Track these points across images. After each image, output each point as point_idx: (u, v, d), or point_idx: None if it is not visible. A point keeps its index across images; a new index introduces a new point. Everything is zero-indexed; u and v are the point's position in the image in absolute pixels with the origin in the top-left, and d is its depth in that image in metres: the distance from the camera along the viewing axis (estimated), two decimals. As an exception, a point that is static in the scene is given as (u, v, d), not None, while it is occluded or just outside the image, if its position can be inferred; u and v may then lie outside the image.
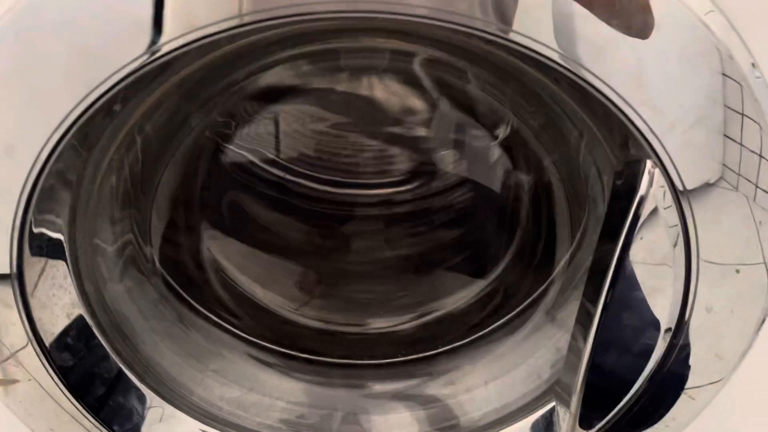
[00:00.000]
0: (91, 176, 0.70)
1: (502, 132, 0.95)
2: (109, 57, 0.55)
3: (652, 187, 0.60)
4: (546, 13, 0.54)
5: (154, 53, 0.55)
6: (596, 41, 0.54)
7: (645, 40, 0.54)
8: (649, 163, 0.59)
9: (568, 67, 0.54)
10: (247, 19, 0.54)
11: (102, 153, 0.70)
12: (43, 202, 0.62)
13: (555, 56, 0.54)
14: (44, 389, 0.68)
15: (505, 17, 0.54)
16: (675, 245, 0.63)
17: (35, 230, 0.63)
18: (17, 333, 0.66)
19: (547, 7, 0.54)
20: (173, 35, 0.54)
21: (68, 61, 0.55)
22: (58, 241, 0.67)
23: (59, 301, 0.68)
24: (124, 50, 0.55)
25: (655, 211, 0.62)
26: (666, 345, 0.67)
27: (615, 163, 0.67)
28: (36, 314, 0.66)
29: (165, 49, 0.55)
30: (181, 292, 0.87)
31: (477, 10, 0.54)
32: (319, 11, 0.55)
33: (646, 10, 0.54)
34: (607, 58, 0.54)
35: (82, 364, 0.71)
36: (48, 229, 0.65)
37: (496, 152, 0.97)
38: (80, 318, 0.70)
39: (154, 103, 0.72)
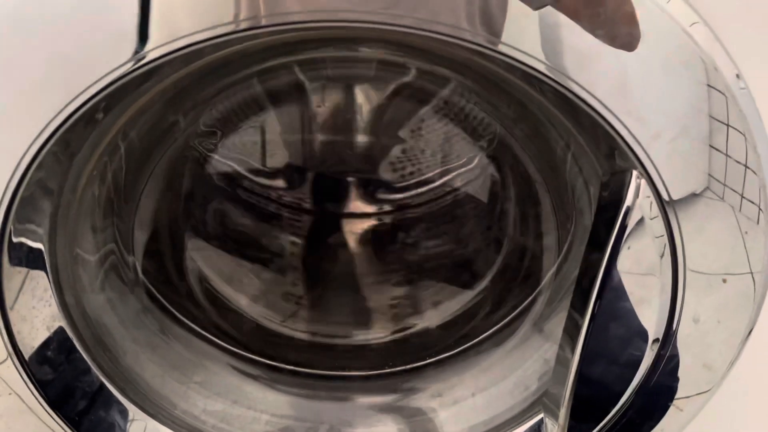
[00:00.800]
0: (72, 185, 0.69)
1: (488, 143, 0.95)
2: (92, 65, 0.54)
3: (638, 198, 0.60)
4: (533, 24, 0.54)
5: (139, 61, 0.54)
6: (582, 51, 0.54)
7: (631, 53, 0.54)
8: (635, 174, 0.59)
9: (554, 77, 0.55)
10: (241, 26, 0.54)
11: (84, 161, 0.69)
12: (24, 211, 0.61)
13: (541, 67, 0.54)
14: (25, 403, 0.67)
15: (492, 28, 0.55)
16: (662, 255, 0.63)
17: (15, 239, 0.62)
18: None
19: (533, 18, 0.54)
20: (159, 43, 0.54)
21: (49, 68, 0.54)
22: (39, 250, 0.66)
23: (39, 314, 0.67)
24: (108, 58, 0.54)
25: (641, 221, 0.62)
26: (654, 356, 0.67)
27: (601, 174, 0.67)
28: (15, 327, 0.65)
29: (150, 56, 0.54)
30: (164, 302, 0.86)
31: (464, 22, 0.54)
32: (306, 20, 0.55)
33: (632, 22, 0.54)
34: (592, 68, 0.55)
35: (63, 378, 0.70)
36: (28, 238, 0.64)
37: (482, 163, 0.97)
38: (61, 330, 0.69)
39: (137, 111, 0.72)
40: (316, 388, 0.89)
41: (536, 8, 0.54)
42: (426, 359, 0.91)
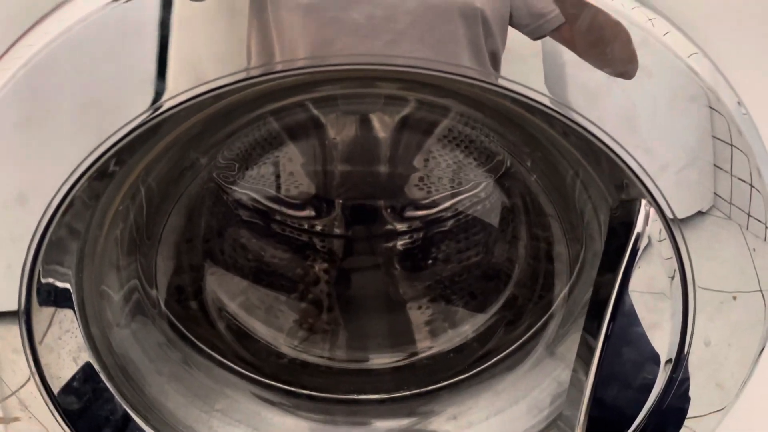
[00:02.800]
0: (97, 226, 0.71)
1: (498, 170, 0.97)
2: (119, 110, 0.57)
3: (647, 225, 0.62)
4: (537, 61, 0.56)
5: (157, 109, 0.56)
6: (589, 87, 0.56)
7: (637, 86, 0.56)
8: (644, 202, 0.61)
9: (562, 112, 0.56)
10: (252, 73, 0.56)
11: (107, 203, 0.71)
12: (52, 253, 0.63)
13: (547, 101, 0.56)
14: (45, 427, 0.68)
15: (497, 65, 0.56)
16: (672, 277, 0.64)
17: (43, 281, 0.64)
18: (23, 375, 0.66)
19: (538, 56, 0.56)
20: (175, 92, 0.56)
21: (80, 113, 0.56)
22: (66, 290, 0.67)
23: (66, 346, 0.69)
24: (130, 105, 0.56)
25: (650, 245, 0.63)
26: (666, 379, 0.68)
27: (611, 201, 0.68)
28: (43, 360, 0.66)
29: (168, 104, 0.56)
30: (186, 333, 0.88)
31: (474, 62, 0.56)
32: (319, 65, 0.57)
33: (633, 60, 0.56)
34: (600, 104, 0.56)
35: (88, 408, 0.71)
36: (56, 279, 0.66)
37: (493, 190, 0.99)
38: (87, 362, 0.70)
39: (159, 153, 0.74)
40: (334, 413, 0.89)
41: (535, 38, 0.55)
42: (441, 382, 0.92)
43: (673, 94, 0.57)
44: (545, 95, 0.56)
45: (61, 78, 0.56)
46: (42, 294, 0.64)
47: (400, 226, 1.01)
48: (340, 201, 1.00)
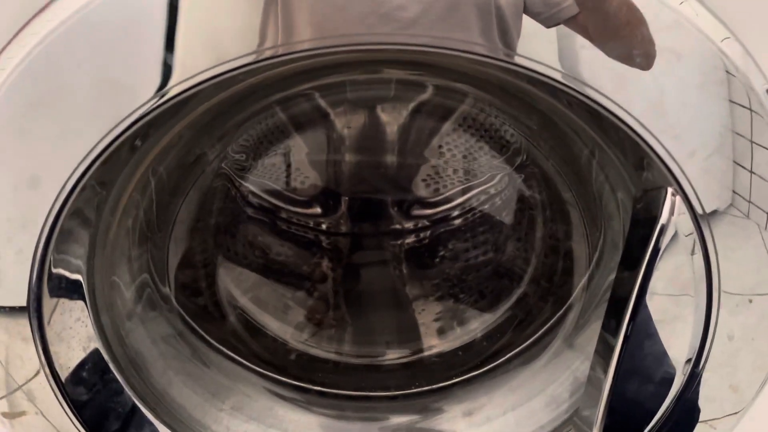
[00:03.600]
0: (108, 216, 0.70)
1: (513, 155, 0.95)
2: (133, 92, 0.56)
3: (673, 215, 0.60)
4: (563, 41, 0.55)
5: (163, 96, 0.55)
6: (619, 71, 0.55)
7: (666, 70, 0.55)
8: (670, 191, 0.60)
9: (591, 96, 0.55)
10: (266, 54, 0.55)
11: (119, 193, 0.70)
12: (63, 242, 0.62)
13: (558, 75, 0.55)
14: (50, 422, 0.67)
15: (507, 42, 0.56)
16: (695, 273, 0.63)
17: (54, 271, 0.63)
18: (31, 367, 0.65)
19: (564, 36, 0.55)
20: (181, 78, 0.55)
21: (96, 93, 0.55)
22: (77, 281, 0.66)
23: (76, 335, 0.67)
24: (133, 96, 0.56)
25: (675, 237, 0.62)
26: (687, 374, 0.66)
27: (629, 182, 0.67)
28: (52, 348, 0.65)
29: (172, 92, 0.55)
30: (197, 328, 0.87)
31: (478, 37, 0.55)
32: (326, 45, 0.56)
33: (650, 50, 0.55)
34: (629, 88, 0.55)
35: (97, 399, 0.70)
36: (66, 269, 0.65)
37: (508, 182, 0.98)
38: (96, 351, 0.69)
39: (169, 141, 0.73)
40: (345, 409, 0.88)
41: (549, 27, 0.55)
42: (453, 378, 0.90)
43: (704, 80, 0.56)
44: (580, 81, 0.55)
45: (77, 57, 0.54)
46: (52, 285, 0.63)
47: (408, 224, 1.00)
48: (347, 198, 0.98)
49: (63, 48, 0.54)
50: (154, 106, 0.55)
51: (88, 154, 0.57)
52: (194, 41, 0.55)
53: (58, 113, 0.56)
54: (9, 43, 0.55)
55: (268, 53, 0.55)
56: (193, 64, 0.55)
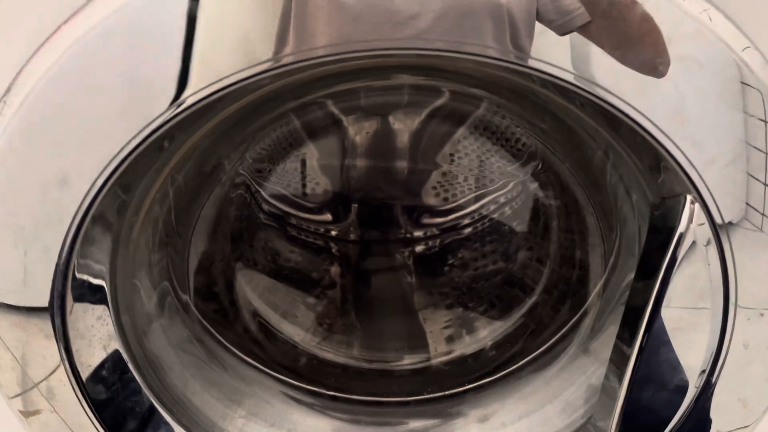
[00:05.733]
0: (131, 218, 0.71)
1: (526, 160, 0.96)
2: (161, 96, 0.56)
3: (692, 223, 0.61)
4: (592, 49, 0.56)
5: (179, 106, 0.56)
6: (639, 78, 0.56)
7: (687, 78, 0.56)
8: (689, 198, 0.60)
9: (612, 102, 0.56)
10: (283, 61, 0.56)
11: (141, 197, 0.71)
12: (86, 247, 0.63)
13: (599, 92, 0.56)
14: (65, 421, 0.68)
15: (520, 46, 0.56)
16: (712, 283, 0.63)
17: (78, 276, 0.64)
18: (51, 364, 0.66)
19: (587, 44, 0.56)
20: (197, 88, 0.56)
21: (125, 96, 0.56)
22: (100, 286, 0.67)
23: (97, 333, 0.68)
24: (148, 105, 0.57)
25: (693, 247, 0.62)
26: (701, 384, 0.66)
27: (645, 185, 0.67)
28: (74, 346, 0.66)
29: (189, 101, 0.56)
30: (215, 333, 0.87)
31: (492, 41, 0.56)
32: (341, 52, 0.57)
33: (663, 58, 0.56)
34: (650, 94, 0.56)
35: (115, 398, 0.70)
36: (89, 274, 0.66)
37: (523, 181, 0.98)
38: (116, 351, 0.70)
39: (188, 149, 0.74)
40: (357, 413, 0.89)
41: (562, 34, 0.56)
42: (466, 385, 0.91)
43: (724, 88, 0.57)
44: (599, 86, 0.56)
45: (106, 61, 0.56)
46: (76, 290, 0.64)
47: (418, 232, 1.01)
48: (356, 206, 0.99)
49: (93, 51, 0.56)
50: (172, 115, 0.56)
51: (115, 156, 0.58)
52: (211, 50, 0.56)
53: (90, 114, 0.57)
54: (41, 45, 0.57)
55: (285, 60, 0.56)
56: (210, 72, 0.56)
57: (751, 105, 0.58)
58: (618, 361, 0.69)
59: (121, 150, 0.57)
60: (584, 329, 0.85)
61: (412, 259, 1.02)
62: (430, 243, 1.02)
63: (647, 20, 0.55)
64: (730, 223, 0.61)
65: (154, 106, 0.56)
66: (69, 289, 0.63)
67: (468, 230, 1.01)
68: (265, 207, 0.99)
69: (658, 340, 0.66)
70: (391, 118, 0.96)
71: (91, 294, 0.66)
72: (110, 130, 0.57)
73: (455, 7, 0.55)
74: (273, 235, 1.00)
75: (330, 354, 0.98)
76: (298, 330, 0.98)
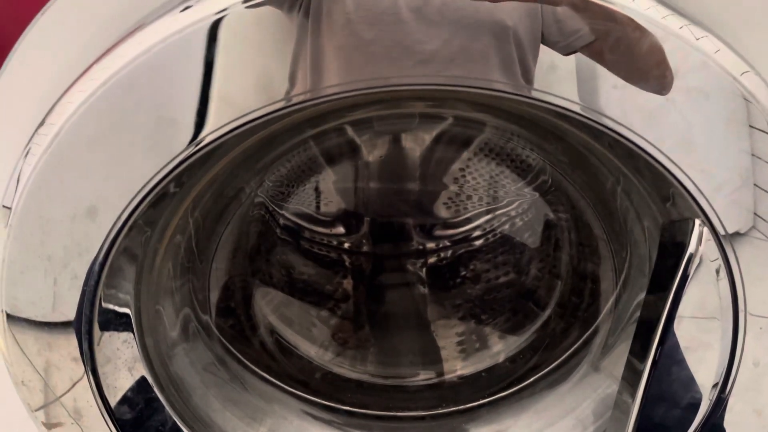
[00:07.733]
0: (153, 251, 0.73)
1: (536, 178, 0.97)
2: (183, 134, 0.59)
3: (701, 245, 0.62)
4: (598, 81, 0.57)
5: (197, 144, 0.59)
6: (648, 109, 0.57)
7: (694, 107, 0.57)
8: (697, 222, 0.62)
9: (620, 132, 0.57)
10: (294, 100, 0.58)
11: (162, 231, 0.73)
12: (112, 277, 0.65)
13: (609, 123, 0.57)
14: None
15: (530, 82, 0.58)
16: (721, 297, 0.64)
17: (104, 305, 0.66)
18: (81, 385, 0.68)
19: (594, 75, 0.57)
20: (215, 126, 0.58)
21: (152, 132, 0.58)
22: (125, 314, 0.69)
23: (122, 356, 0.70)
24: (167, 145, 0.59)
25: (702, 265, 0.63)
26: (714, 399, 0.67)
27: (655, 210, 0.69)
28: (101, 369, 0.68)
29: (207, 139, 0.58)
30: (235, 352, 0.89)
31: (505, 78, 0.57)
32: (354, 89, 0.59)
33: (667, 75, 0.57)
34: (658, 124, 0.57)
35: (140, 417, 0.72)
36: (116, 304, 0.68)
37: (531, 205, 0.99)
38: (141, 376, 0.71)
39: (210, 179, 0.75)
40: (372, 429, 0.90)
41: (566, 54, 0.57)
42: (479, 400, 0.92)
43: (731, 116, 0.58)
44: (609, 117, 0.57)
45: (136, 98, 0.58)
46: (102, 319, 0.66)
47: (430, 244, 1.02)
48: (368, 219, 1.01)
49: (122, 90, 0.58)
50: (192, 152, 0.59)
51: (140, 190, 0.60)
52: (227, 92, 0.58)
53: (120, 144, 0.59)
54: (77, 80, 0.59)
55: (296, 99, 0.58)
56: (225, 113, 0.58)
57: (755, 119, 0.59)
58: (630, 377, 0.70)
59: (146, 184, 0.59)
60: (596, 346, 0.86)
61: (425, 270, 1.03)
62: (443, 254, 1.03)
63: (649, 38, 0.56)
64: (737, 233, 0.62)
65: (175, 143, 0.58)
66: (95, 316, 0.65)
67: (480, 242, 1.02)
68: (282, 222, 1.00)
69: (671, 358, 0.67)
70: (401, 141, 0.98)
71: (117, 320, 0.68)
72: (136, 165, 0.59)
73: (462, 29, 0.56)
74: (287, 249, 1.02)
75: (345, 370, 0.99)
76: (313, 346, 0.99)
